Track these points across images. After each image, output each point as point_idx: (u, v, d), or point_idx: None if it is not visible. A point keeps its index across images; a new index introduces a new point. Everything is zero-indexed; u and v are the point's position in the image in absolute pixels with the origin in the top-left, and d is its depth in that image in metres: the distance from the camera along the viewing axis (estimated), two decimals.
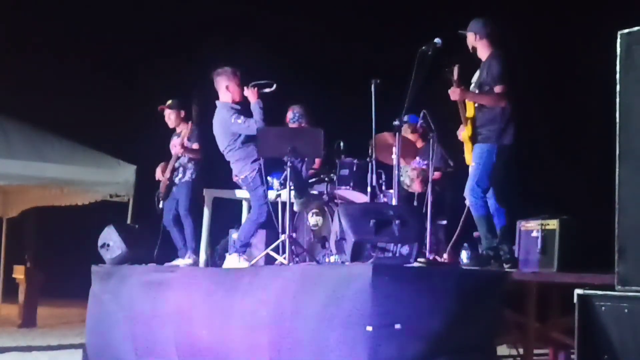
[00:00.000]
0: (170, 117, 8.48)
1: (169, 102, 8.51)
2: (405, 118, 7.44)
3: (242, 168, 7.46)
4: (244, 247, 7.34)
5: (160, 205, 8.35)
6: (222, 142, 7.56)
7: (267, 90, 7.32)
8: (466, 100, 6.58)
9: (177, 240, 8.30)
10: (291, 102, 8.50)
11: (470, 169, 6.55)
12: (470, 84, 6.69)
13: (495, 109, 6.43)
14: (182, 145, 8.14)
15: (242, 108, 7.49)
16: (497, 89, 6.41)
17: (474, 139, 6.53)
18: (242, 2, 14.99)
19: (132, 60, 15.98)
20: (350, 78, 11.09)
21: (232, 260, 7.26)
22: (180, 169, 8.28)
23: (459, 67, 6.48)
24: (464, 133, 6.63)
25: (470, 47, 6.65)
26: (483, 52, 6.60)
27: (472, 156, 6.54)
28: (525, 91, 6.73)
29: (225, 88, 7.58)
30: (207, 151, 8.21)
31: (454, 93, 6.48)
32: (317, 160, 8.36)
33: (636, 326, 4.19)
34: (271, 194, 7.56)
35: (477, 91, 6.56)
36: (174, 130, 8.51)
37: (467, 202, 6.59)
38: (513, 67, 6.52)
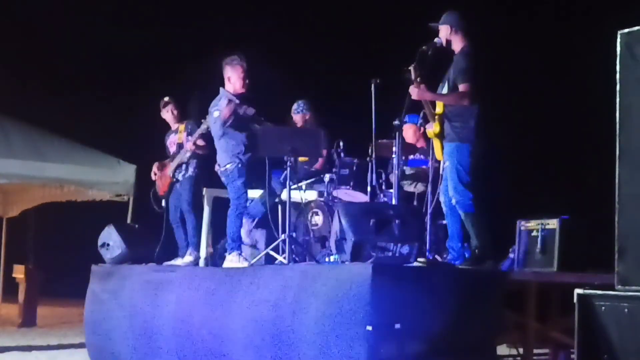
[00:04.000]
0: (172, 112, 8.50)
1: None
2: (406, 118, 7.43)
3: (223, 159, 7.45)
4: (237, 243, 7.30)
5: (163, 204, 8.34)
6: (214, 130, 7.54)
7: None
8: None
9: (180, 239, 8.29)
10: (291, 101, 8.53)
11: (446, 169, 6.47)
12: (443, 80, 6.61)
13: (463, 107, 6.36)
14: (194, 143, 8.12)
15: (242, 99, 7.41)
16: (461, 87, 6.35)
17: (442, 137, 6.50)
18: (242, 3, 15.00)
19: (132, 60, 15.98)
20: (350, 78, 11.09)
21: (232, 260, 7.25)
22: (183, 166, 8.29)
23: (415, 67, 6.43)
24: (430, 131, 6.60)
25: (443, 41, 6.55)
26: (457, 45, 6.53)
27: (443, 154, 6.51)
28: (495, 90, 6.66)
29: (227, 80, 7.53)
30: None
31: (413, 92, 6.47)
32: (319, 160, 8.34)
33: (636, 326, 4.19)
34: (255, 193, 7.57)
35: (446, 87, 6.50)
36: (170, 127, 8.54)
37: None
38: (481, 64, 6.44)
